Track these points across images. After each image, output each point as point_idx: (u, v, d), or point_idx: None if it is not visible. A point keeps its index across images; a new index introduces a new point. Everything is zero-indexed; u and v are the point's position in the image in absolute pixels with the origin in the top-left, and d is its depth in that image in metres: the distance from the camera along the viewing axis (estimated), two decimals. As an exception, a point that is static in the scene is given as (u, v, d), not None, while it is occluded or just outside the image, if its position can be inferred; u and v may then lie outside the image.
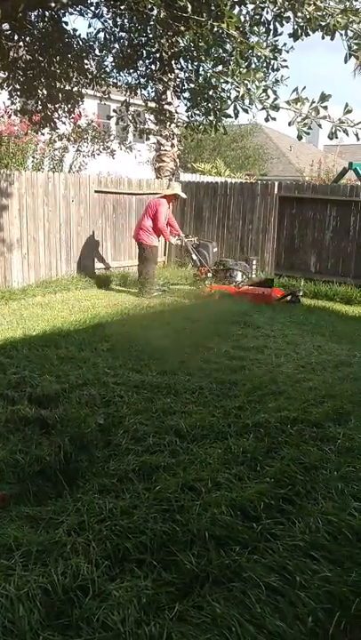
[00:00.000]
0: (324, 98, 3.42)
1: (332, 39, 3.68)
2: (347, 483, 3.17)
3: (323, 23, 3.84)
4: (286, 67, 4.29)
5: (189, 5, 3.34)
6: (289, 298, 9.00)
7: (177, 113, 6.40)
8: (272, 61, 4.34)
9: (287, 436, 3.74)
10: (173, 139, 12.48)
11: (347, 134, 3.51)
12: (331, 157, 23.85)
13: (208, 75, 4.45)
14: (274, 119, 3.75)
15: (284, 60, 4.27)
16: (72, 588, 2.29)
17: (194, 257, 10.13)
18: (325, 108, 3.48)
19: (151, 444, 3.59)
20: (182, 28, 3.88)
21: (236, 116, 3.89)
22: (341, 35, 3.74)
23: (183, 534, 2.66)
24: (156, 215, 9.35)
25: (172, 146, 13.28)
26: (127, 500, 2.94)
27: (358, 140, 3.50)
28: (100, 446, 3.57)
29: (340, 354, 5.90)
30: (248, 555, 2.54)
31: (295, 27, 3.87)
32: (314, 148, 33.71)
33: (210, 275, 9.98)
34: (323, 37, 3.97)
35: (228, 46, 4.00)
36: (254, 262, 10.79)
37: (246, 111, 3.80)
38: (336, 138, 3.50)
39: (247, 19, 4.22)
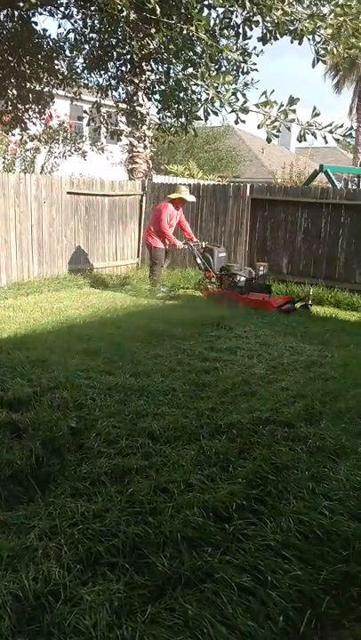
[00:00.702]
0: (292, 101, 3.46)
1: (300, 44, 3.73)
2: (318, 482, 3.20)
3: (291, 28, 3.89)
4: (256, 70, 4.34)
5: (158, 8, 3.35)
6: (298, 305, 8.75)
7: (148, 115, 6.40)
8: (242, 64, 4.38)
9: (259, 436, 3.77)
10: (145, 140, 12.47)
11: (315, 137, 3.56)
12: (302, 160, 24.15)
13: (179, 77, 4.47)
14: (243, 122, 3.78)
15: (254, 64, 4.32)
16: (43, 593, 2.27)
17: (198, 261, 9.91)
18: (294, 111, 3.52)
19: (124, 446, 3.57)
20: (152, 31, 3.89)
21: (206, 118, 3.92)
22: (309, 39, 3.79)
23: (156, 536, 2.65)
24: (160, 217, 9.44)
25: (145, 147, 13.28)
26: (99, 504, 2.93)
27: (327, 142, 3.56)
28: (73, 450, 3.54)
29: (312, 354, 5.96)
30: (220, 556, 2.55)
31: (264, 31, 3.92)
32: (286, 150, 34.06)
33: (213, 279, 9.69)
34: (291, 42, 4.02)
35: (198, 49, 4.02)
36: (261, 268, 9.86)
37: (216, 114, 3.83)
38: (305, 140, 3.55)
39: (217, 22, 4.25)
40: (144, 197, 12.37)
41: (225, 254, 10.27)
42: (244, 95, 3.75)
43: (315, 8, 3.94)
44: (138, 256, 12.52)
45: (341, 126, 3.46)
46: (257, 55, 4.60)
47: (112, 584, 2.35)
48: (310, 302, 9.01)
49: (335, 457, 3.55)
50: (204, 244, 10.17)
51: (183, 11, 3.47)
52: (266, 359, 5.72)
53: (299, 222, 10.89)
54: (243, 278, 9.47)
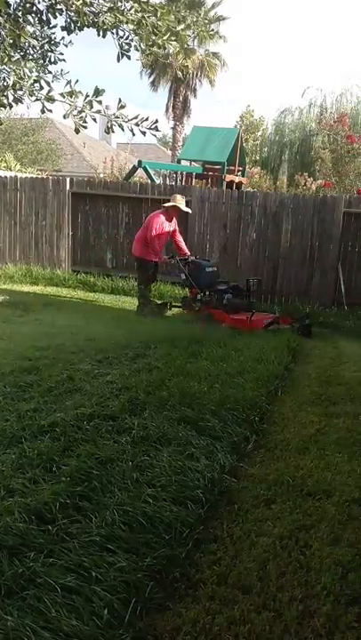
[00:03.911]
0: (98, 92, 3.44)
1: (103, 37, 3.72)
2: (142, 471, 3.25)
3: (96, 20, 3.86)
4: (64, 60, 4.27)
5: None
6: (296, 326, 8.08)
7: None
8: (49, 54, 4.27)
9: (84, 432, 3.72)
10: None
11: (122, 129, 3.59)
12: (123, 155, 24.44)
13: (-21, 60, 4.21)
14: (50, 111, 3.68)
15: (61, 54, 4.23)
16: None
17: (183, 277, 8.87)
18: (100, 102, 3.51)
19: None
20: None
21: (11, 106, 3.75)
22: (113, 34, 3.80)
23: (-27, 550, 2.49)
24: (149, 226, 8.56)
25: None
26: None
27: (134, 135, 3.61)
28: None
29: (138, 346, 6.06)
30: (43, 559, 2.46)
31: (68, 20, 3.84)
32: (108, 145, 34.25)
33: (198, 297, 8.74)
34: (98, 35, 4.00)
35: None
36: (252, 283, 8.80)
37: (20, 101, 3.67)
38: (113, 132, 3.56)
39: (20, 6, 4.08)
40: None
41: (215, 269, 9.06)
42: (48, 84, 3.65)
43: (119, 3, 3.95)
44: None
45: (147, 119, 3.53)
46: (65, 45, 4.51)
47: None
48: (308, 320, 8.36)
49: (158, 444, 3.63)
50: (192, 258, 9.03)
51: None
52: (91, 354, 5.68)
53: (120, 217, 11.02)
54: (229, 296, 8.54)
